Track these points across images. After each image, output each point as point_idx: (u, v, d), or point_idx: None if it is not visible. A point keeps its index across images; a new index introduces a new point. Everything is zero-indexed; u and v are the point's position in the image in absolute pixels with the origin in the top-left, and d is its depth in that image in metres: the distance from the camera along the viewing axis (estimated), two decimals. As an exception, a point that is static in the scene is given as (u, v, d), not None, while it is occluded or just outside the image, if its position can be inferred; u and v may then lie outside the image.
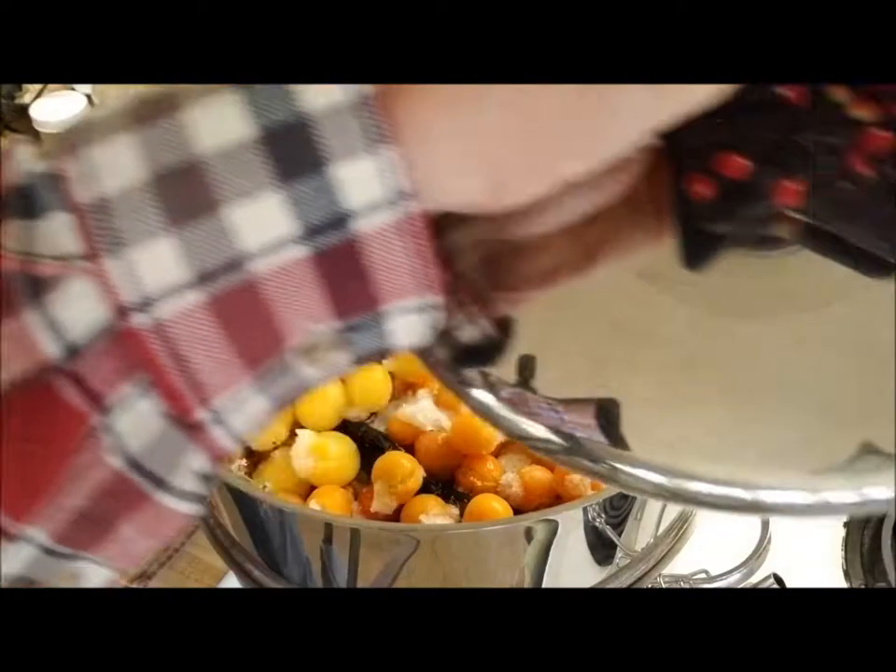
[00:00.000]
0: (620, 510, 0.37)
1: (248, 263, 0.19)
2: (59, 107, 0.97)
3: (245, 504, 0.38)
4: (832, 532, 0.64)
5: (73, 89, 1.01)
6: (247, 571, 0.42)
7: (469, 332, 0.24)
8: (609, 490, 0.31)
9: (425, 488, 0.46)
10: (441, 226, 0.22)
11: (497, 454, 0.48)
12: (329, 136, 0.19)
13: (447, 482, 0.47)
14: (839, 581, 0.61)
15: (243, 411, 0.21)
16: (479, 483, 0.46)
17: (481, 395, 0.24)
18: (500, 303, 0.25)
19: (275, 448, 0.49)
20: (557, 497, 0.45)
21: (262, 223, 0.19)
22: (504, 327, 0.24)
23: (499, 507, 0.43)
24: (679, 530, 0.43)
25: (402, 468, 0.45)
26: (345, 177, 0.19)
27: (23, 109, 1.01)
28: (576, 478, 0.43)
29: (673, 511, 0.41)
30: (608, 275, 0.24)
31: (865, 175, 0.22)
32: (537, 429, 0.23)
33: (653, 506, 0.39)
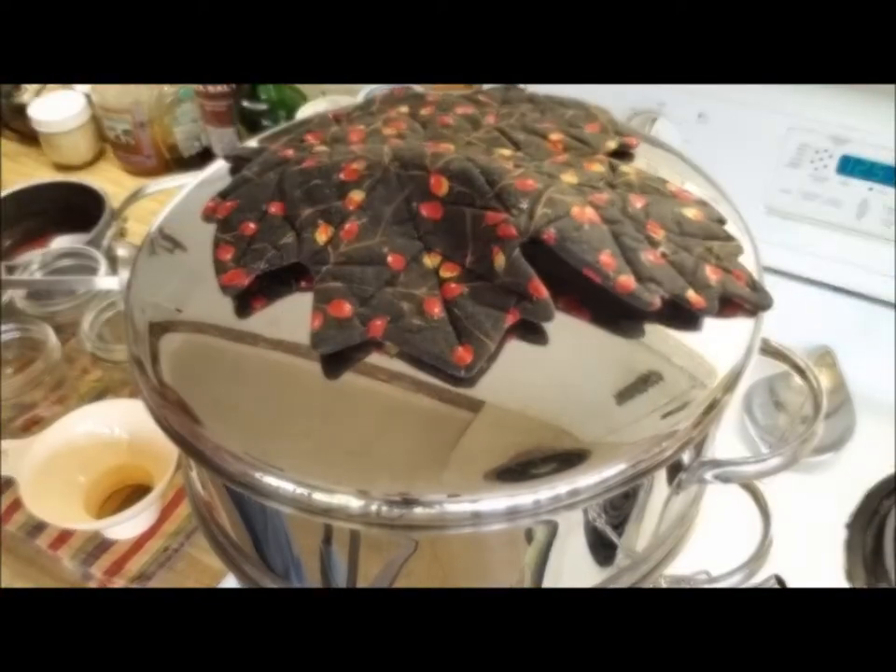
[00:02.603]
0: (620, 510, 0.36)
1: None
2: (57, 106, 0.97)
3: (243, 504, 0.38)
4: (833, 533, 0.64)
5: (71, 88, 1.01)
6: (246, 572, 0.42)
7: None
8: (609, 491, 0.31)
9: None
10: None
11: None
12: None
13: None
14: (841, 583, 0.61)
15: None
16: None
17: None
18: None
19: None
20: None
21: None
22: None
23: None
24: (679, 531, 0.43)
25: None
26: None
27: (22, 108, 1.01)
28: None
29: (673, 511, 0.41)
30: None
31: (437, 314, 0.31)
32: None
33: (654, 507, 0.39)
